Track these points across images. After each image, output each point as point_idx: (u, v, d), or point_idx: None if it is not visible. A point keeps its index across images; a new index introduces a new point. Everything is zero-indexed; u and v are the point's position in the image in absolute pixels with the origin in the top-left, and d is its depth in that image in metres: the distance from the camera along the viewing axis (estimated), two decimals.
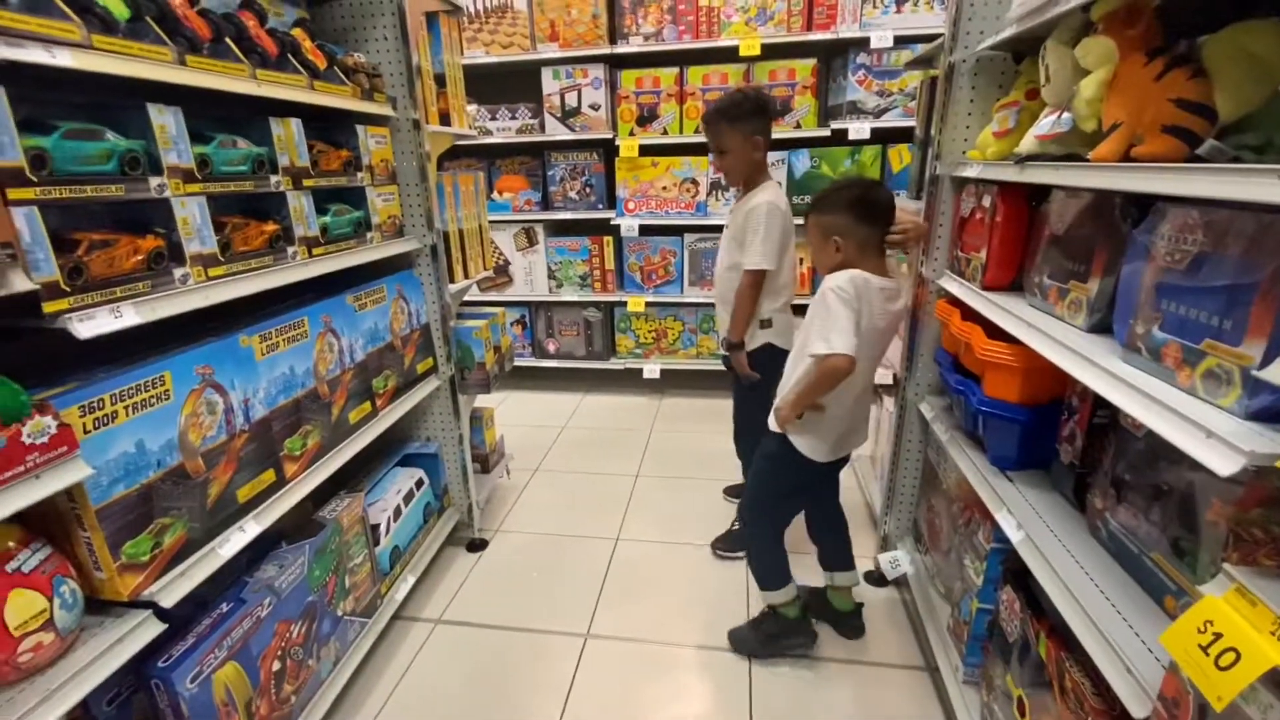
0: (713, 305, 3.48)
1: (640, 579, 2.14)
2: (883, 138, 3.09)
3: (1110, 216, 1.04)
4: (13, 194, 0.84)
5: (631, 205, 3.41)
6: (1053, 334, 1.07)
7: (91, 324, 0.93)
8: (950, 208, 1.68)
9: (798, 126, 3.16)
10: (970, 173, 1.49)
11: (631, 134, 3.28)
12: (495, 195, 3.63)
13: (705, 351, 3.61)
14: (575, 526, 2.44)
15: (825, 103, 3.27)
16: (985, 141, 1.45)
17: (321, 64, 1.52)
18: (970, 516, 1.52)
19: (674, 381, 3.77)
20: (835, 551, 1.84)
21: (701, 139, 3.24)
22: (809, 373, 1.46)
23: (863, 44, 2.97)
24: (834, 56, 3.20)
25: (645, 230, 3.43)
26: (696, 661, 1.77)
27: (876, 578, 2.05)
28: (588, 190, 3.51)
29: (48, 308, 0.89)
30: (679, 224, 3.39)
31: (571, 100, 3.32)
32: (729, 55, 3.11)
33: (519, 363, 3.78)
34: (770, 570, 1.75)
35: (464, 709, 1.64)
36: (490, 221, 2.67)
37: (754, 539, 1.78)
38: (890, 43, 2.89)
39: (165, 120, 1.08)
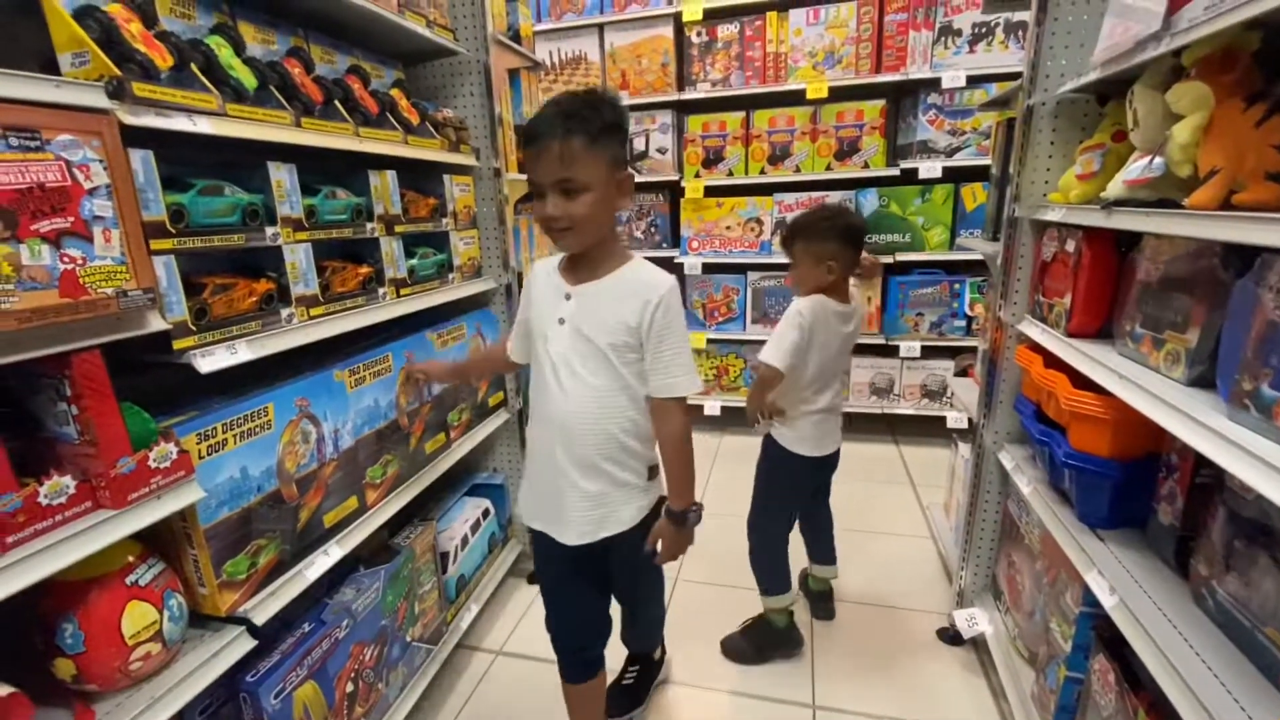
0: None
1: (699, 621, 2.10)
2: (955, 176, 3.04)
3: (1209, 264, 0.99)
4: (155, 244, 0.95)
5: (695, 244, 3.46)
6: (1148, 387, 1.02)
7: (211, 360, 1.03)
8: (1030, 251, 1.63)
9: (865, 166, 3.14)
10: (1052, 216, 1.45)
11: (697, 176, 3.35)
12: None
13: None
14: None
15: (894, 142, 3.24)
16: (1068, 184, 1.41)
17: (415, 120, 1.65)
18: (1056, 576, 1.43)
19: (735, 419, 3.73)
20: (819, 548, 2.06)
21: (767, 179, 3.28)
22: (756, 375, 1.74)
23: (933, 84, 2.95)
24: (903, 96, 3.19)
25: (708, 268, 3.47)
26: (760, 714, 1.72)
27: (951, 636, 1.94)
28: (653, 230, 3.59)
29: (177, 345, 0.99)
30: (742, 262, 3.41)
31: (639, 144, 3.43)
32: (795, 98, 3.15)
33: None
34: (771, 574, 1.88)
35: None
36: None
37: (758, 543, 1.90)
38: (963, 83, 2.86)
39: (281, 176, 1.20)
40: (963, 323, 3.19)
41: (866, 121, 3.10)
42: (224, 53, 1.11)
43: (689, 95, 3.30)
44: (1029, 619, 1.61)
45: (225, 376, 1.12)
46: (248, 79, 1.14)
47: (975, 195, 3.04)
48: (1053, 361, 1.41)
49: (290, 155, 1.23)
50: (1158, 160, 1.08)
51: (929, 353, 3.23)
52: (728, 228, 3.39)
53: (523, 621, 2.13)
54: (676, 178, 3.40)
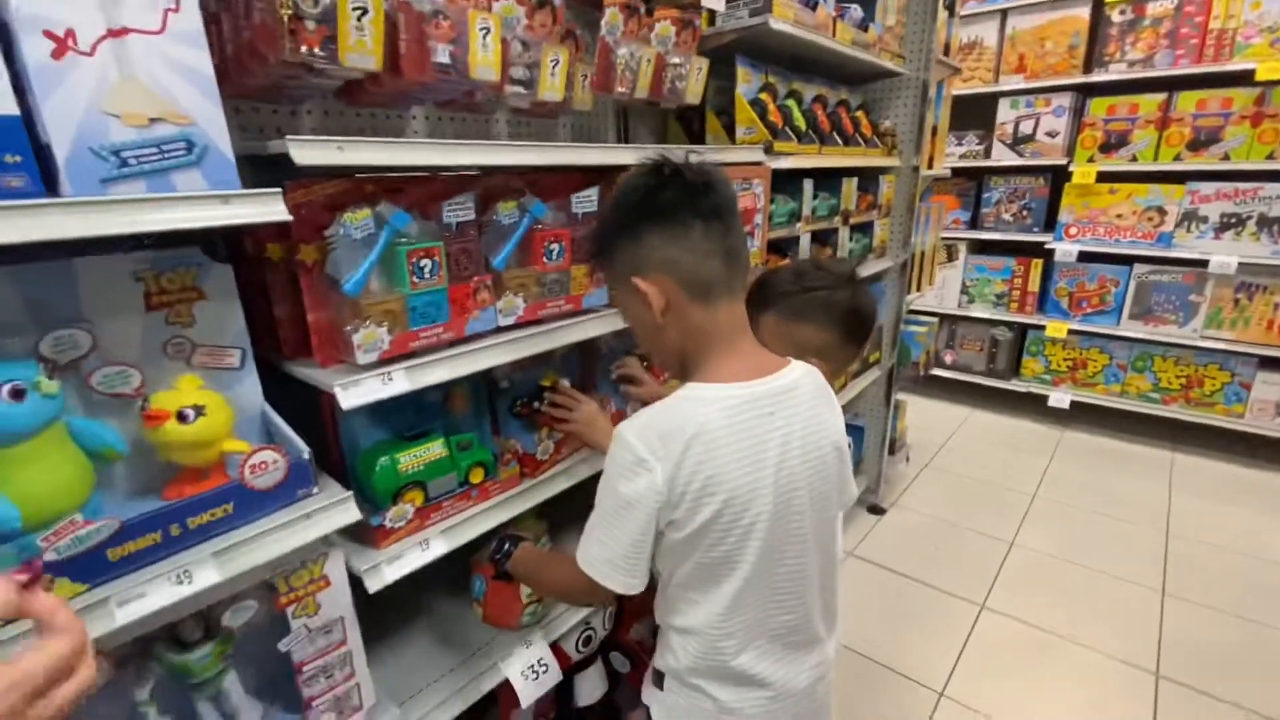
0: (1154, 344, 3.24)
1: (1039, 578, 2.34)
2: None
3: None
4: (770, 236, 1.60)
5: (1074, 230, 3.38)
6: None
7: None
8: None
9: None
10: None
11: (1091, 160, 3.26)
12: None
13: (1132, 390, 3.39)
14: (968, 520, 2.73)
15: None
16: None
17: (869, 133, 2.14)
18: None
19: (1084, 416, 3.62)
20: None
21: (1180, 167, 3.05)
22: None
23: None
24: None
25: (1084, 256, 3.37)
26: (1097, 666, 1.93)
27: None
28: (1024, 213, 3.59)
29: None
30: (1130, 253, 3.24)
31: (1026, 128, 3.44)
32: (1238, 79, 2.84)
33: None
34: None
35: (871, 635, 2.09)
36: None
37: None
38: None
39: (807, 187, 1.79)
40: None
41: None
42: (795, 110, 1.72)
43: (1097, 77, 3.19)
44: None
45: None
46: (801, 123, 1.74)
47: None
48: None
49: (808, 173, 1.82)
50: None
51: None
52: (1118, 216, 3.24)
53: (868, 538, 2.63)
54: (1064, 162, 3.35)
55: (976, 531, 2.66)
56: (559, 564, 0.98)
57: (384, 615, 1.24)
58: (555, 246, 1.08)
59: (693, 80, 1.46)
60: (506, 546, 1.07)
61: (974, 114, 3.66)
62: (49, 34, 0.55)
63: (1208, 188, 2.98)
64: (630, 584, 0.83)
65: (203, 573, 0.72)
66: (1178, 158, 3.04)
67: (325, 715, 0.93)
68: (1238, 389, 3.08)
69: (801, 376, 0.88)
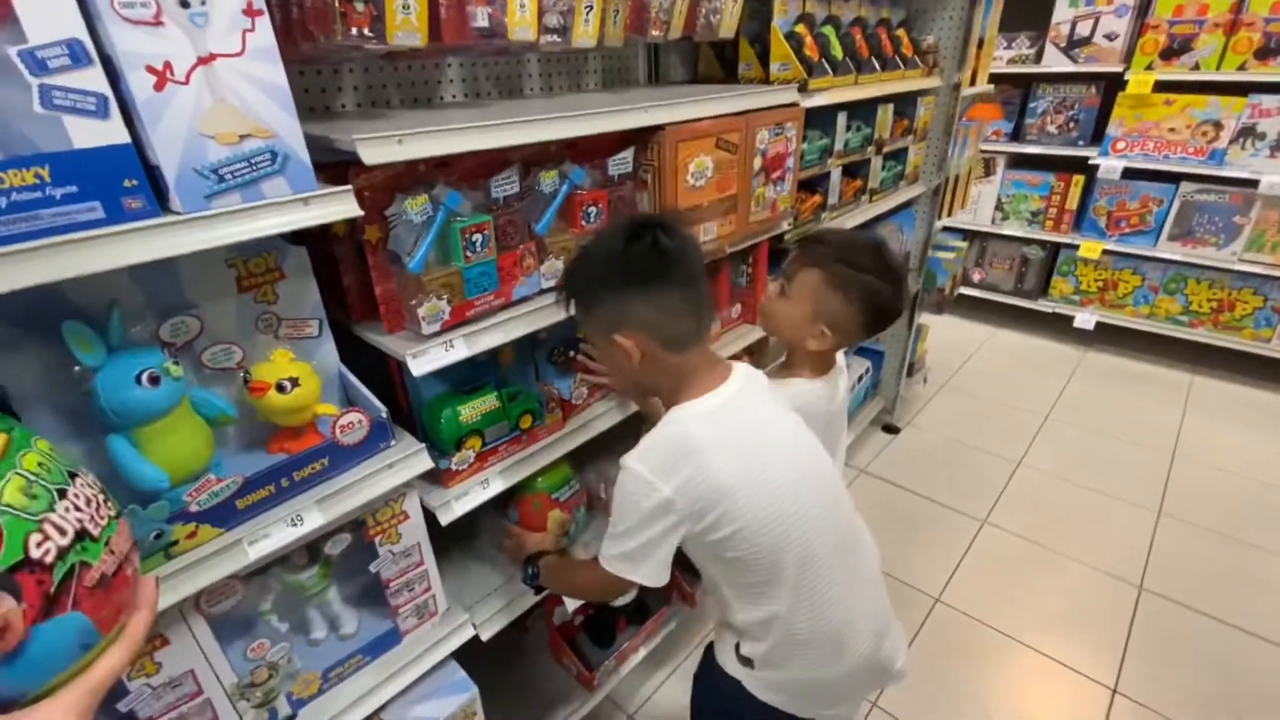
0: (1190, 266, 3.18)
1: (1041, 496, 2.48)
2: None
3: None
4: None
5: (1121, 145, 3.23)
6: None
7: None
8: None
9: None
10: None
11: (1149, 68, 3.05)
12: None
13: (1161, 313, 3.37)
14: (980, 439, 2.85)
15: None
16: None
17: (909, 53, 2.04)
18: None
19: (1109, 336, 3.62)
20: None
21: (1244, 77, 2.85)
22: None
23: None
24: None
25: (1129, 174, 3.24)
26: (1085, 578, 2.10)
27: None
28: (1071, 125, 3.42)
29: (787, 237, 1.68)
30: (1178, 171, 3.11)
31: (1083, 29, 3.20)
32: None
33: None
34: None
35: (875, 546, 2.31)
36: None
37: None
38: None
39: (842, 122, 1.76)
40: None
41: None
42: (832, 38, 1.66)
43: None
44: None
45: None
46: (838, 52, 1.68)
47: None
48: None
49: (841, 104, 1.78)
50: None
51: None
52: (1171, 130, 3.08)
53: (880, 456, 2.78)
54: (1120, 69, 3.14)
55: (986, 451, 2.78)
56: (581, 569, 1.13)
57: (450, 536, 1.41)
58: (593, 209, 1.13)
59: (728, 15, 1.43)
60: (530, 570, 1.19)
61: (1027, 12, 3.39)
62: (150, 68, 0.61)
63: (1270, 100, 2.80)
64: (646, 576, 0.91)
65: (310, 516, 0.86)
66: (1242, 66, 2.84)
67: (409, 620, 1.11)
68: (1269, 314, 3.05)
69: (748, 377, 0.98)
